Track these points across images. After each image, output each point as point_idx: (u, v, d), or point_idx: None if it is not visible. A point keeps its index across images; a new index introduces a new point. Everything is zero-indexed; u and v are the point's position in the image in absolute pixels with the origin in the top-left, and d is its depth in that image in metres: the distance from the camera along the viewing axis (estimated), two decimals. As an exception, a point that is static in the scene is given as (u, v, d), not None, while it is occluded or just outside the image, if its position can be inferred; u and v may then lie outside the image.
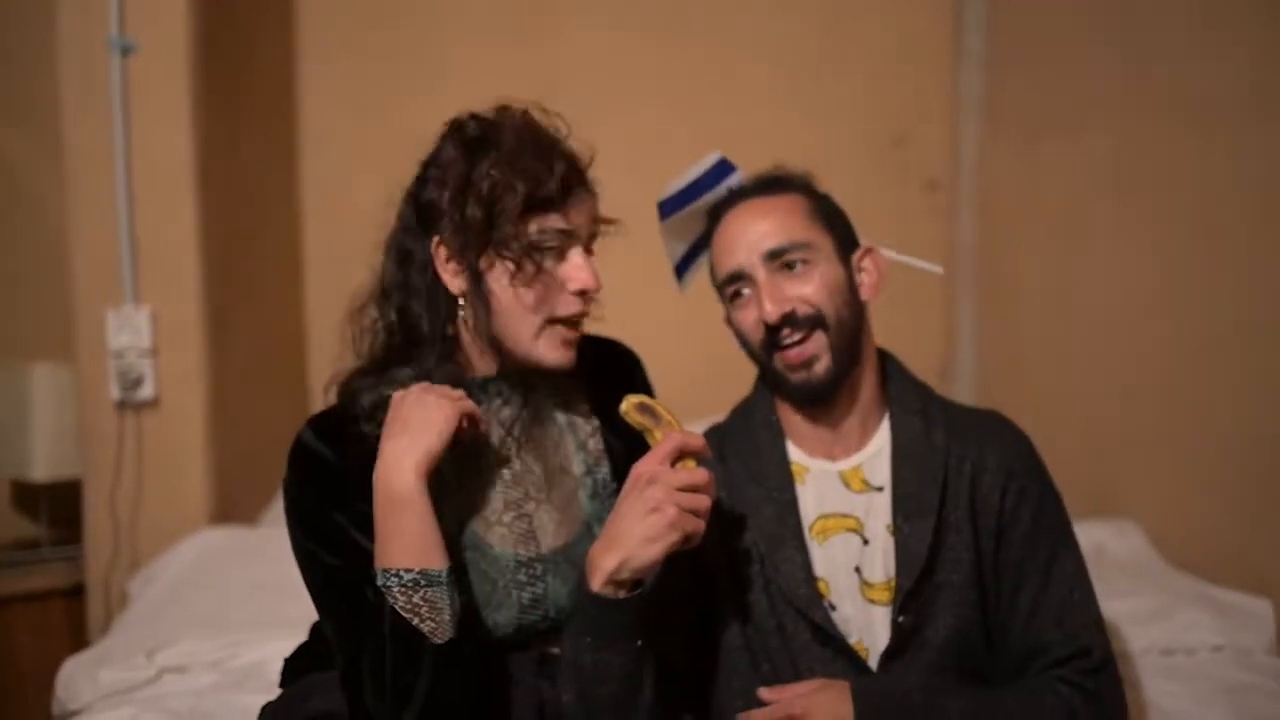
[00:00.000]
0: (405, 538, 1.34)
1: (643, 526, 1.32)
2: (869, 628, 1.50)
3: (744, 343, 1.59)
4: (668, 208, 1.63)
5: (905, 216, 3.25)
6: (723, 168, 1.60)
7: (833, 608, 1.49)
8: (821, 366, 1.52)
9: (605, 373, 1.60)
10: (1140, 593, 2.24)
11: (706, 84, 3.29)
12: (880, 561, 1.51)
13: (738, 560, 1.53)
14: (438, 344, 1.46)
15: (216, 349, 2.79)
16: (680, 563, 1.38)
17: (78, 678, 2.06)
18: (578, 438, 1.58)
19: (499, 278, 1.43)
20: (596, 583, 1.34)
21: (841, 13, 3.31)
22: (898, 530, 1.51)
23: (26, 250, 3.09)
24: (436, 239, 1.45)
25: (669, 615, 1.44)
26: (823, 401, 1.56)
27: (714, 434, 1.63)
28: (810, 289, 1.51)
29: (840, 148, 3.13)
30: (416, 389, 1.40)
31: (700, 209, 1.62)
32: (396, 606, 1.33)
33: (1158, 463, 2.62)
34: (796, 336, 1.51)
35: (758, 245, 1.53)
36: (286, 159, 3.29)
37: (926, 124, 3.34)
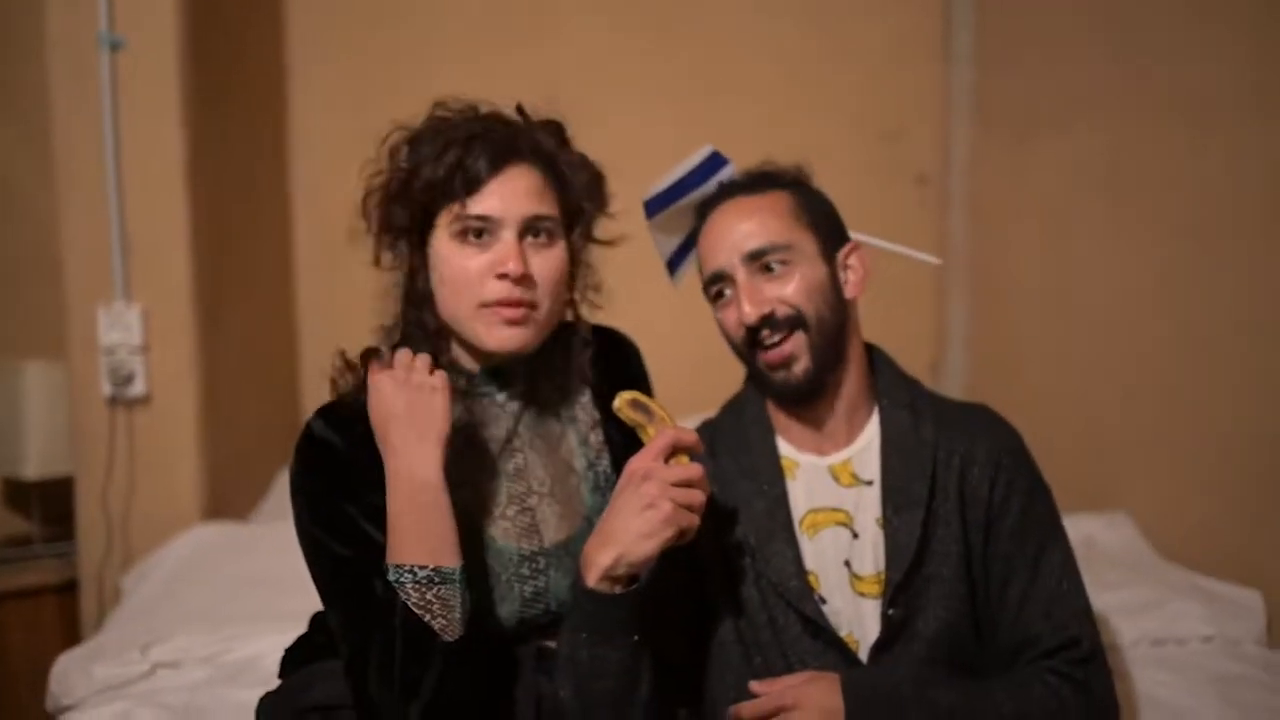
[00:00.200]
0: (422, 533, 1.34)
1: (638, 523, 1.32)
2: (859, 620, 1.50)
3: (729, 341, 1.60)
4: (654, 206, 1.63)
5: (896, 213, 3.26)
6: (715, 161, 1.60)
7: (823, 601, 1.50)
8: (800, 367, 1.53)
9: (605, 363, 1.59)
10: (1130, 584, 2.25)
11: (699, 81, 3.29)
12: (870, 555, 1.52)
13: (729, 554, 1.54)
14: (425, 336, 1.47)
15: (207, 346, 2.78)
16: (674, 557, 1.38)
17: (71, 673, 2.06)
18: (579, 431, 1.58)
19: (431, 266, 1.45)
20: (592, 578, 1.34)
21: (833, 10, 3.32)
22: (887, 523, 1.51)
23: (16, 248, 3.08)
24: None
25: (664, 610, 1.45)
26: (806, 399, 1.56)
27: (705, 430, 1.63)
28: (790, 290, 1.52)
29: (832, 144, 3.13)
30: (388, 378, 1.39)
31: (691, 204, 1.62)
32: (409, 603, 1.33)
33: (1151, 459, 2.63)
34: (776, 338, 1.52)
35: (738, 246, 1.53)
36: (277, 156, 3.29)
37: (917, 121, 3.35)
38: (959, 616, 1.50)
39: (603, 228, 1.54)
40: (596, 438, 1.58)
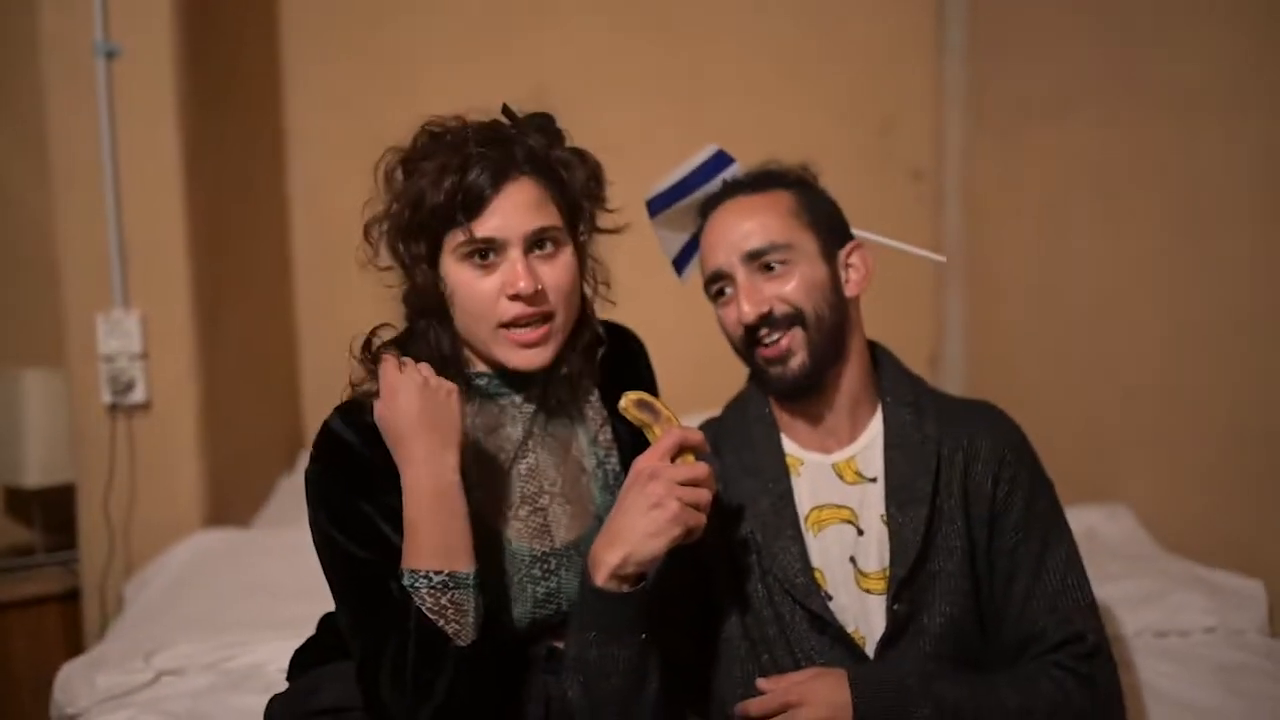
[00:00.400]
0: (439, 539, 1.34)
1: (645, 522, 1.33)
2: (865, 617, 1.51)
3: (729, 339, 1.60)
4: (656, 204, 1.64)
5: (893, 207, 3.27)
6: (720, 160, 1.60)
7: (829, 597, 1.51)
8: (796, 362, 1.53)
9: (613, 361, 1.59)
10: (1132, 576, 2.26)
11: (694, 78, 3.30)
12: (875, 551, 1.52)
13: (735, 551, 1.54)
14: (441, 351, 1.47)
15: (207, 351, 2.79)
16: (680, 556, 1.39)
17: (75, 682, 2.06)
18: (589, 430, 1.58)
19: (450, 288, 1.44)
20: (600, 578, 1.35)
21: (827, 7, 3.32)
22: (891, 520, 1.52)
23: (15, 256, 3.08)
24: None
25: (670, 608, 1.45)
26: (805, 395, 1.57)
27: (709, 428, 1.64)
28: (789, 289, 1.52)
29: (826, 139, 3.14)
30: (403, 384, 1.37)
31: (695, 203, 1.62)
32: (423, 608, 1.33)
33: (1150, 451, 2.64)
34: (775, 336, 1.53)
35: (738, 246, 1.54)
36: (273, 160, 3.29)
37: (911, 115, 3.35)
38: (964, 612, 1.51)
39: (605, 218, 1.54)
40: (605, 436, 1.58)
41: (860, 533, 1.53)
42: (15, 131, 3.04)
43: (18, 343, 3.05)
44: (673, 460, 1.37)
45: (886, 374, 1.62)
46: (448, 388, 1.38)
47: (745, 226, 1.54)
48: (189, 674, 2.08)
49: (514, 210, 1.42)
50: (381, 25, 3.28)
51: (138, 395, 2.72)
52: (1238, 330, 2.33)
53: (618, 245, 1.55)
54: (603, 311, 1.58)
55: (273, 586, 2.38)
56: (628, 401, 1.42)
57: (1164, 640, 2.09)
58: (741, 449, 1.59)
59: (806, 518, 1.54)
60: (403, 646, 1.33)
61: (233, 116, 3.02)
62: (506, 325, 1.43)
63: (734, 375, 1.71)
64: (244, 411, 3.01)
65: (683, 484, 1.34)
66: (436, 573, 1.34)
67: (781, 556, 1.51)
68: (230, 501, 2.87)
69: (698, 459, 1.39)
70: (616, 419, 1.53)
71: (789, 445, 1.59)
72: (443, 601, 1.34)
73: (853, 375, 1.58)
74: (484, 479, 1.47)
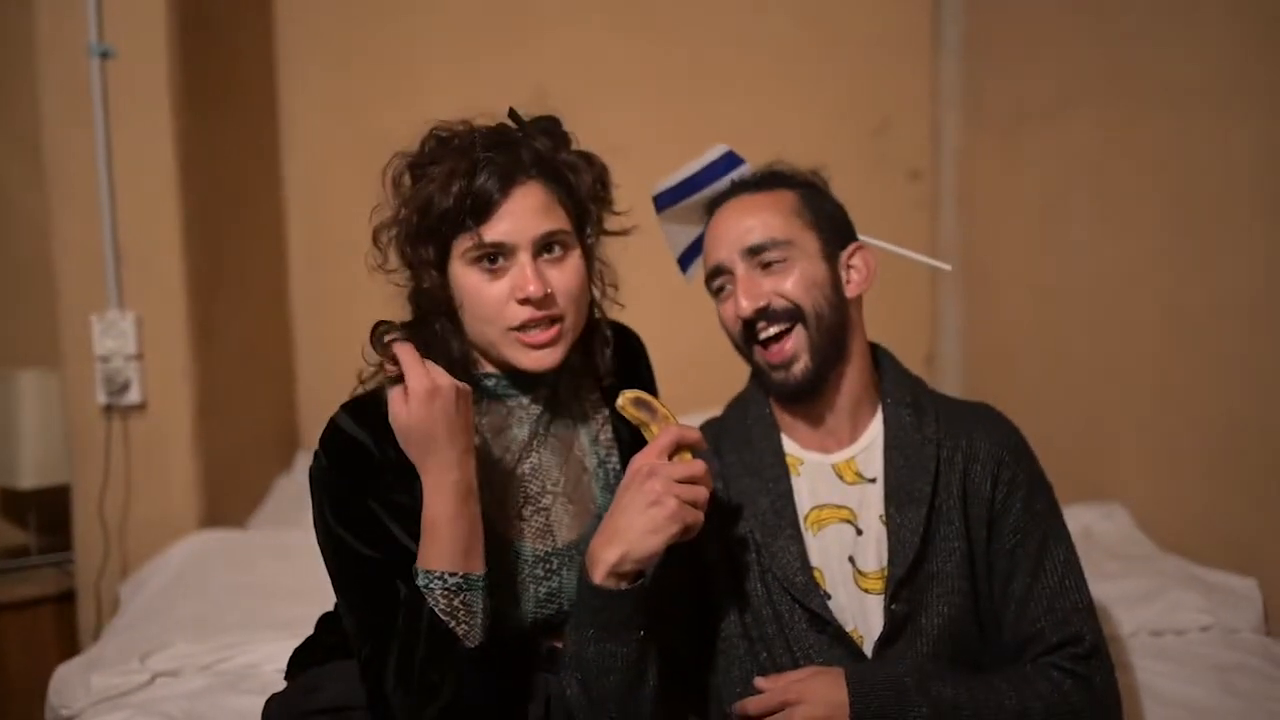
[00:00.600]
0: (457, 541, 1.35)
1: (643, 519, 1.33)
2: (863, 616, 1.51)
3: (729, 336, 1.61)
4: (663, 200, 1.64)
5: (890, 207, 3.27)
6: (729, 160, 1.61)
7: (828, 596, 1.51)
8: (800, 366, 1.54)
9: (614, 360, 1.59)
10: (1128, 575, 2.26)
11: (692, 79, 3.30)
12: (874, 551, 1.52)
13: (735, 550, 1.54)
14: (451, 343, 1.47)
15: (202, 352, 2.78)
16: (679, 553, 1.39)
17: (70, 683, 2.06)
18: (591, 430, 1.58)
19: (453, 289, 1.44)
20: (599, 575, 1.35)
21: (823, 6, 3.32)
22: (890, 520, 1.52)
23: (10, 256, 3.08)
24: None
25: (668, 606, 1.45)
26: (807, 397, 1.57)
27: (710, 427, 1.65)
28: (787, 285, 1.53)
29: (823, 140, 3.14)
30: (418, 387, 1.36)
31: (703, 201, 1.63)
32: (436, 608, 1.34)
33: (1146, 450, 2.64)
34: (773, 330, 1.54)
35: (739, 241, 1.55)
36: (268, 162, 3.29)
37: (907, 114, 3.36)
38: (962, 612, 1.51)
39: (612, 221, 1.54)
40: (607, 436, 1.59)
41: (859, 533, 1.53)
42: (10, 132, 3.03)
43: (13, 343, 3.05)
44: (670, 458, 1.37)
45: (887, 375, 1.63)
46: (464, 390, 1.38)
47: (747, 223, 1.55)
48: (185, 675, 2.07)
49: (522, 214, 1.42)
50: (378, 27, 3.28)
51: (133, 396, 2.72)
52: (1235, 330, 2.33)
53: (615, 244, 1.56)
54: (609, 313, 1.58)
55: (269, 587, 2.37)
56: (625, 400, 1.42)
57: (1160, 639, 2.09)
58: (742, 448, 1.60)
59: (806, 517, 1.55)
60: (411, 646, 1.33)
61: (228, 117, 3.02)
62: (516, 328, 1.43)
63: (731, 376, 1.71)
64: (239, 412, 3.00)
65: (680, 481, 1.34)
66: (452, 574, 1.34)
67: (781, 555, 1.51)
68: (226, 502, 2.87)
69: (695, 456, 1.39)
70: (618, 419, 1.54)
71: (789, 445, 1.60)
72: (455, 603, 1.34)
73: (854, 376, 1.59)
74: (489, 479, 1.47)
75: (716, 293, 1.60)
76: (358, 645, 1.39)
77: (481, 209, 1.40)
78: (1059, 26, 2.90)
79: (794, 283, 1.53)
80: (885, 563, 1.51)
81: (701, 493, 1.36)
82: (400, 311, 1.51)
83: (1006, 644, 1.53)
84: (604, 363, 1.55)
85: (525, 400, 1.52)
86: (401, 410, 1.35)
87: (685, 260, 1.71)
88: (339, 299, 3.20)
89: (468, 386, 1.39)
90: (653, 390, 1.66)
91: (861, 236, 1.62)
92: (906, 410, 1.58)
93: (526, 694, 1.46)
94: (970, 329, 3.31)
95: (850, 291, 1.58)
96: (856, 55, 3.34)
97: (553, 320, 1.44)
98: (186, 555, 2.58)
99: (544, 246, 1.44)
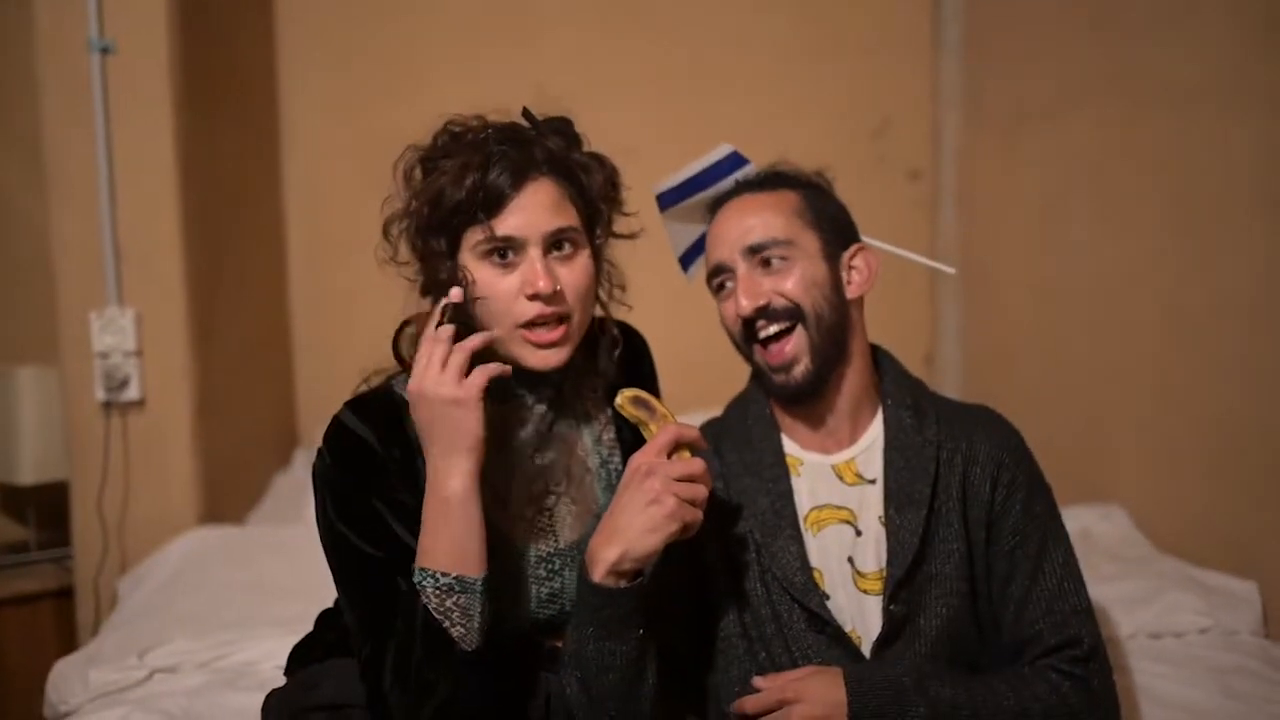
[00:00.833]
0: (448, 541, 1.35)
1: (643, 518, 1.33)
2: (862, 617, 1.51)
3: (729, 335, 1.61)
4: (667, 199, 1.64)
5: (890, 207, 3.27)
6: (734, 160, 1.61)
7: (827, 596, 1.51)
8: (800, 369, 1.54)
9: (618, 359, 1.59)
10: (1127, 577, 2.26)
11: (690, 79, 3.30)
12: (873, 552, 1.52)
13: (734, 549, 1.55)
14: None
15: (201, 349, 2.78)
16: (678, 552, 1.40)
17: (69, 679, 2.06)
18: (594, 430, 1.58)
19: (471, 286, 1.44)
20: (598, 574, 1.35)
21: (822, 5, 3.32)
22: (889, 521, 1.52)
23: (9, 252, 3.07)
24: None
25: (668, 604, 1.45)
26: (808, 398, 1.57)
27: (711, 427, 1.65)
28: (788, 284, 1.53)
29: (823, 140, 3.14)
30: (427, 385, 1.36)
31: (705, 201, 1.63)
32: (429, 607, 1.34)
33: (1145, 451, 2.64)
34: (773, 329, 1.54)
35: (740, 240, 1.55)
36: (268, 158, 3.29)
37: (907, 114, 3.36)
38: (960, 614, 1.51)
39: (623, 224, 1.54)
40: (609, 436, 1.59)
41: (859, 533, 1.54)
42: (9, 128, 3.03)
43: (12, 339, 3.04)
44: (669, 456, 1.37)
45: (888, 376, 1.63)
46: (472, 395, 1.36)
47: (748, 222, 1.55)
48: (183, 671, 2.08)
49: (534, 209, 1.42)
50: (379, 26, 3.28)
51: (132, 392, 2.72)
52: (1235, 330, 2.33)
53: (619, 243, 1.56)
54: (614, 314, 1.58)
55: (267, 584, 2.38)
56: (624, 399, 1.42)
57: (1158, 642, 2.10)
58: (742, 448, 1.60)
59: (806, 517, 1.55)
60: (408, 645, 1.34)
61: (228, 113, 3.02)
62: (524, 325, 1.42)
63: (732, 376, 1.71)
64: (238, 409, 3.00)
65: (679, 480, 1.34)
66: (444, 574, 1.34)
67: (780, 555, 1.51)
68: (225, 499, 2.87)
69: (694, 455, 1.39)
70: (621, 419, 1.54)
71: (789, 445, 1.60)
72: (447, 604, 1.34)
73: (854, 378, 1.59)
74: (492, 478, 1.47)
75: (717, 291, 1.60)
76: (358, 643, 1.39)
77: (493, 202, 1.40)
78: (1059, 26, 2.90)
79: (794, 282, 1.53)
80: (884, 564, 1.51)
81: (701, 491, 1.36)
82: (400, 312, 1.51)
83: (1005, 645, 1.53)
84: (608, 363, 1.55)
85: (530, 400, 1.51)
86: (424, 397, 1.35)
87: (687, 259, 1.71)
88: (338, 297, 3.21)
89: (471, 394, 1.36)
90: (655, 390, 1.65)
91: (864, 238, 1.62)
92: (907, 412, 1.58)
93: (527, 693, 1.46)
94: (970, 329, 3.31)
95: (851, 292, 1.58)
96: (856, 55, 3.34)
97: (560, 319, 1.44)
98: (185, 552, 2.58)
99: (554, 243, 1.44)
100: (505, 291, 1.42)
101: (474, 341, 1.38)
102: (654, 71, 3.29)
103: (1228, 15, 2.34)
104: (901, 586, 1.49)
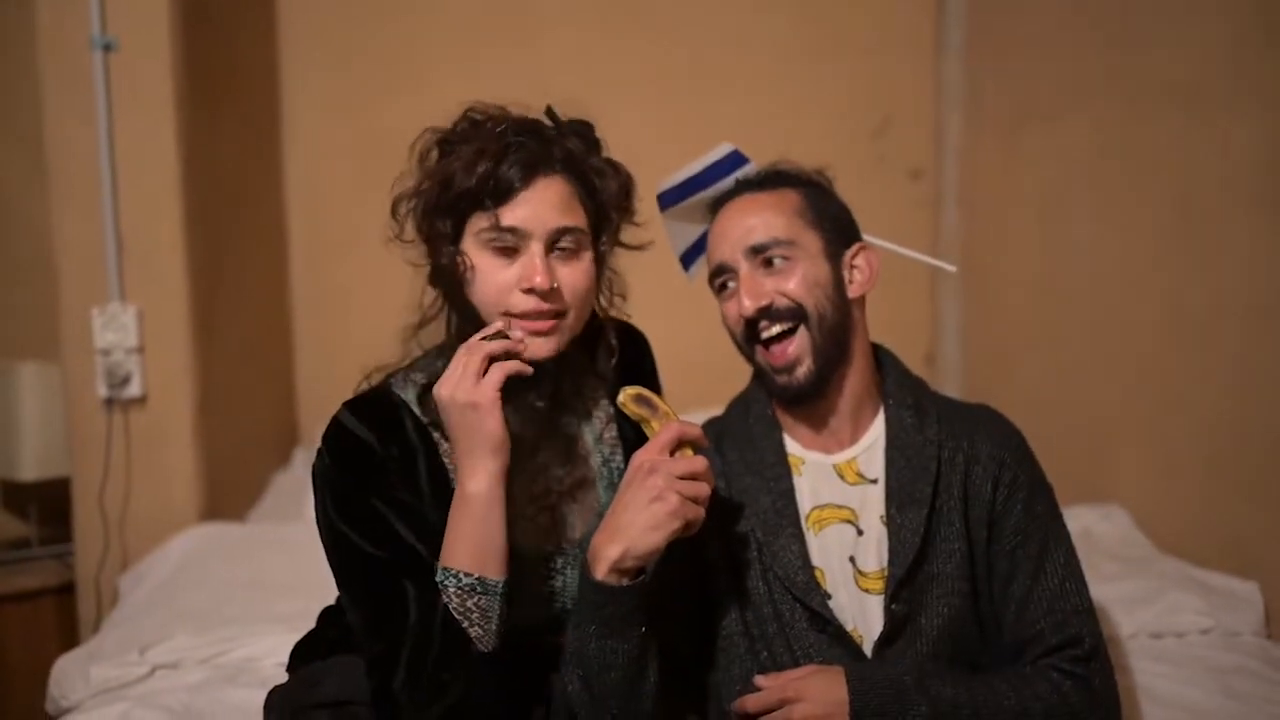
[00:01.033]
0: (472, 542, 1.36)
1: (645, 516, 1.33)
2: (863, 616, 1.51)
3: (731, 335, 1.61)
4: (668, 199, 1.64)
5: (891, 207, 3.27)
6: (734, 159, 1.61)
7: (828, 596, 1.51)
8: (803, 370, 1.54)
9: (619, 358, 1.59)
10: (1128, 577, 2.26)
11: (690, 79, 3.30)
12: (874, 551, 1.53)
13: (736, 548, 1.55)
14: (466, 332, 1.46)
15: (203, 346, 2.78)
16: (680, 550, 1.40)
17: (70, 675, 2.07)
18: (595, 428, 1.58)
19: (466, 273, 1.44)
20: (600, 571, 1.35)
21: (823, 5, 3.32)
22: (891, 521, 1.52)
23: (10, 249, 3.07)
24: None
25: (670, 602, 1.46)
26: (809, 398, 1.57)
27: (713, 426, 1.65)
28: (790, 284, 1.53)
29: (825, 139, 3.14)
30: (450, 387, 1.37)
31: (706, 200, 1.63)
32: (450, 606, 1.34)
33: (1146, 451, 2.64)
34: (775, 330, 1.54)
35: (742, 240, 1.55)
36: (270, 155, 3.29)
37: (909, 114, 3.36)
38: (962, 613, 1.52)
39: (630, 234, 1.54)
40: (611, 435, 1.59)
41: (860, 533, 1.54)
42: (11, 125, 3.03)
43: (14, 336, 3.04)
44: (671, 454, 1.37)
45: (889, 376, 1.63)
46: (489, 398, 1.37)
47: (750, 222, 1.55)
48: (184, 668, 2.08)
49: (542, 204, 1.42)
50: (379, 25, 3.28)
51: (134, 389, 2.72)
52: (1235, 330, 2.33)
53: (641, 252, 1.56)
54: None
55: (268, 581, 2.38)
56: (626, 396, 1.42)
57: (1160, 642, 2.10)
58: (744, 447, 1.60)
59: (807, 517, 1.55)
60: (424, 644, 1.34)
61: (230, 111, 3.02)
62: (515, 317, 1.42)
63: (733, 376, 1.71)
64: (240, 406, 3.01)
65: (681, 477, 1.34)
66: (467, 574, 1.35)
67: (782, 554, 1.51)
68: (226, 496, 2.87)
69: (696, 453, 1.39)
70: (623, 418, 1.53)
71: (791, 445, 1.60)
72: (468, 604, 1.35)
73: (856, 377, 1.59)
74: None
75: (719, 291, 1.60)
76: (366, 642, 1.39)
77: (502, 192, 1.41)
78: (1060, 27, 2.90)
79: (796, 282, 1.53)
80: (885, 563, 1.51)
81: (703, 489, 1.36)
82: (399, 311, 1.51)
83: (1006, 645, 1.53)
84: (607, 365, 1.56)
85: (529, 397, 1.51)
86: (450, 391, 1.37)
87: (687, 259, 1.71)
88: (339, 295, 3.21)
89: (488, 396, 1.37)
90: (657, 387, 1.65)
91: (866, 237, 1.62)
92: (908, 412, 1.58)
93: (529, 692, 1.46)
94: (970, 329, 3.31)
95: (853, 292, 1.58)
96: (858, 55, 3.34)
97: (555, 315, 1.44)
98: (186, 548, 2.59)
99: (557, 241, 1.44)
100: (502, 282, 1.42)
101: (510, 366, 1.38)
102: (654, 71, 3.29)
103: (1228, 15, 2.34)
104: (903, 586, 1.50)
